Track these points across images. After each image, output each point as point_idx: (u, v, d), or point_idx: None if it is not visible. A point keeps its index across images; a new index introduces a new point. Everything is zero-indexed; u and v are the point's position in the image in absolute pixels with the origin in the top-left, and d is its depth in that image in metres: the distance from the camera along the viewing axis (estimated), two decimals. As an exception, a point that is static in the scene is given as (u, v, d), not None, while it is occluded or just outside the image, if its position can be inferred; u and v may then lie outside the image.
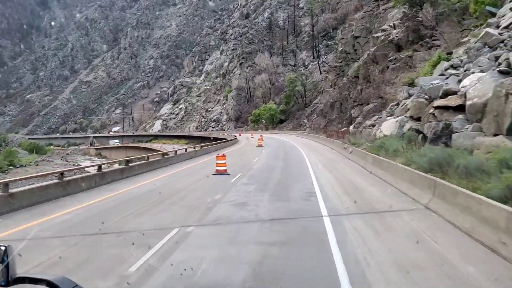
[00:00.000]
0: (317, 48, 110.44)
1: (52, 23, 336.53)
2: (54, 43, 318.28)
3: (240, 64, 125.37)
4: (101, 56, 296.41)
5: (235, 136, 74.62)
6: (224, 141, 58.56)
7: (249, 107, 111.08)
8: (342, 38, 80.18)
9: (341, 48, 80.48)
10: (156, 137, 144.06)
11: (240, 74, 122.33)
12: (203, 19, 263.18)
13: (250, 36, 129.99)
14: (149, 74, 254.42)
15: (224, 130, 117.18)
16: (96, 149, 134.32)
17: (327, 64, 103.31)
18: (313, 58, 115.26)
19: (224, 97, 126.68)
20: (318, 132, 65.13)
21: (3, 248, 1.91)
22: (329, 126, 71.48)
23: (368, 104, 47.66)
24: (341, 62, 79.66)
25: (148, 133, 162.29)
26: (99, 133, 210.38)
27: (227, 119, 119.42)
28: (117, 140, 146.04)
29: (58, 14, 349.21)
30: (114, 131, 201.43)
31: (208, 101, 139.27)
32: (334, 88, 76.85)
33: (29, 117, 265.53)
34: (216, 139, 74.62)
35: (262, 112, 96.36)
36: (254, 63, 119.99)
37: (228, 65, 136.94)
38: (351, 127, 45.55)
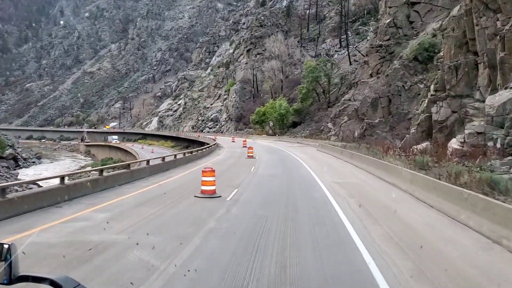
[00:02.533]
0: (346, 33, 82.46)
1: (64, 11, 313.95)
2: (62, 32, 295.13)
3: (248, 51, 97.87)
4: (108, 47, 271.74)
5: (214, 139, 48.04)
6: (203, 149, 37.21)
7: (254, 104, 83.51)
8: (390, 7, 52.43)
9: (387, 21, 52.55)
10: (145, 136, 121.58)
11: (246, 63, 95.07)
12: (217, 11, 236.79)
13: (262, 17, 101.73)
14: (155, 67, 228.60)
15: (222, 133, 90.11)
16: (86, 145, 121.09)
17: (359, 52, 75.55)
18: (340, 46, 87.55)
19: (225, 91, 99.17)
20: (347, 143, 37.95)
21: (6, 246, 1.87)
22: (369, 133, 44.00)
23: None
24: (389, 39, 51.80)
25: (137, 131, 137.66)
26: (95, 128, 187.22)
27: (227, 119, 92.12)
28: (116, 137, 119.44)
29: (70, 1, 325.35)
30: (113, 127, 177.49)
31: (207, 95, 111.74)
32: (378, 77, 49.12)
33: (26, 107, 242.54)
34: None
35: (269, 110, 68.66)
36: (264, 50, 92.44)
37: (233, 52, 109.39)
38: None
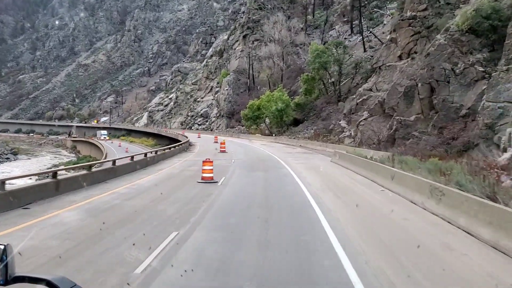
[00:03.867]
0: (360, 15, 68.00)
1: (62, 2, 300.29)
2: (59, 23, 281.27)
3: (244, 37, 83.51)
4: (105, 39, 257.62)
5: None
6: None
7: (250, 98, 69.06)
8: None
9: (423, -14, 38.26)
10: (129, 132, 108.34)
11: (242, 51, 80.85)
12: (217, 2, 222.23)
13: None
14: (151, 60, 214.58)
15: (211, 131, 76.25)
16: (73, 141, 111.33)
17: (375, 36, 61.64)
18: (351, 33, 73.30)
19: (217, 83, 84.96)
20: (375, 149, 24.52)
21: (2, 247, 1.83)
22: (401, 135, 30.15)
23: None
24: (425, 9, 37.55)
25: (123, 127, 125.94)
26: (85, 122, 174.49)
27: (218, 114, 77.99)
28: (105, 132, 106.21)
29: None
30: (103, 122, 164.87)
31: (198, 88, 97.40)
32: (412, 59, 35.03)
33: (17, 100, 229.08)
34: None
35: (265, 104, 54.40)
36: (262, 36, 78.21)
37: (228, 39, 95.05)
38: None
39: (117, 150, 62.21)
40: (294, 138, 47.54)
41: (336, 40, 55.25)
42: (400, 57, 38.10)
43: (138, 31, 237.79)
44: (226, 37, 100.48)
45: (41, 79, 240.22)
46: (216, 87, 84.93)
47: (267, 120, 55.23)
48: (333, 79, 53.04)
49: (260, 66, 73.91)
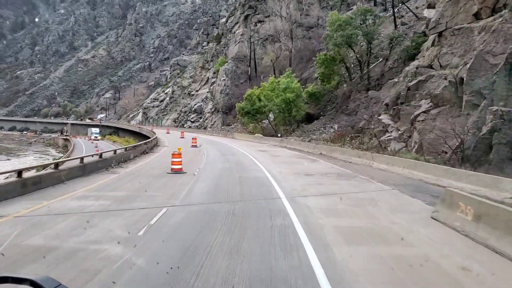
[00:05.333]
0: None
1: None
2: (59, 17, 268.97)
3: (245, 18, 69.01)
4: (106, 34, 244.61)
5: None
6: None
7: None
8: None
9: None
10: (117, 130, 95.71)
11: (242, 34, 66.57)
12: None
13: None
14: (151, 55, 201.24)
15: (205, 129, 62.33)
16: (65, 139, 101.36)
17: (410, 10, 47.24)
18: (375, 4, 58.65)
19: (214, 72, 70.57)
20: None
21: None
22: (502, 139, 15.22)
23: None
24: None
25: (112, 124, 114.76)
26: (81, 119, 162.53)
27: (213, 110, 63.76)
28: (97, 130, 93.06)
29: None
30: (99, 119, 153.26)
31: (193, 80, 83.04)
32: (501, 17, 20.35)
33: (13, 96, 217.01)
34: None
35: (268, 94, 39.75)
36: (267, 16, 63.75)
37: (226, 22, 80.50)
38: None
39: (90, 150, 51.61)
40: (310, 141, 33.07)
41: (364, 8, 40.43)
42: (477, 15, 23.70)
43: (140, 25, 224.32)
44: (224, 19, 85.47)
45: (39, 75, 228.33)
46: (213, 77, 70.51)
47: (271, 116, 40.73)
48: (358, 60, 38.50)
49: (264, 51, 59.58)
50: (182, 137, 43.84)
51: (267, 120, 42.08)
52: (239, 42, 66.21)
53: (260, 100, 39.71)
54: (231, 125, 55.85)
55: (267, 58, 52.93)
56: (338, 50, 37.44)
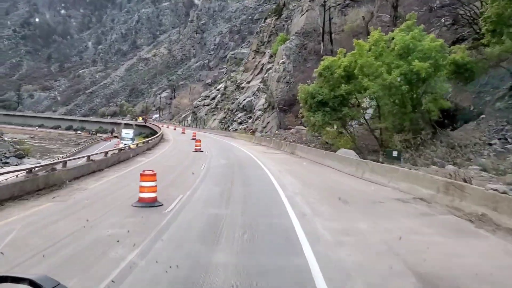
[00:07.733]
0: None
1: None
2: (124, 17, 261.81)
3: (316, -22, 47.64)
4: (168, 32, 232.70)
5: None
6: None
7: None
8: None
9: None
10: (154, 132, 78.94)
11: (312, 0, 45.09)
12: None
13: None
14: (211, 52, 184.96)
15: (253, 133, 41.58)
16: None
17: None
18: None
19: (270, 56, 49.64)
20: None
21: None
22: None
23: None
24: None
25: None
26: (135, 119, 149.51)
27: (266, 105, 42.80)
28: (130, 133, 71.54)
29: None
30: (153, 119, 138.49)
31: (244, 69, 62.62)
32: None
33: (74, 94, 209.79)
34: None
35: (369, 61, 18.03)
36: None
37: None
38: None
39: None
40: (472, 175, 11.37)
41: None
42: None
43: (201, 22, 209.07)
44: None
45: (100, 74, 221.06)
46: (269, 62, 49.83)
47: (369, 111, 18.85)
48: None
49: (343, 21, 38.16)
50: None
51: (363, 119, 19.97)
52: (306, 11, 45.39)
53: (350, 77, 17.86)
54: (290, 128, 34.86)
55: (353, 13, 31.39)
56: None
